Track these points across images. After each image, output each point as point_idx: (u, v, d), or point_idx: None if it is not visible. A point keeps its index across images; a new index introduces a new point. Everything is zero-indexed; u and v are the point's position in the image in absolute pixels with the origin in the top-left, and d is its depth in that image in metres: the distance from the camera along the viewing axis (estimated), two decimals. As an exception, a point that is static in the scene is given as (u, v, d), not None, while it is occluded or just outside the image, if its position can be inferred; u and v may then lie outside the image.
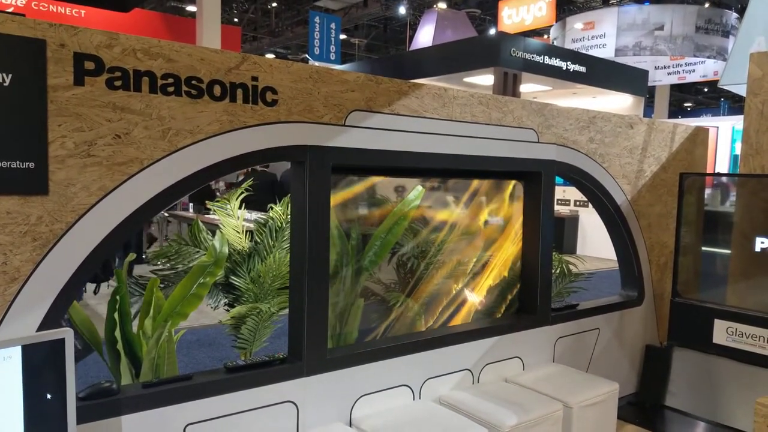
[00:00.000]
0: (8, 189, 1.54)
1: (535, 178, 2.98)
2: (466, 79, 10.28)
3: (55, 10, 11.92)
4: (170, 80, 1.79)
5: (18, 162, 1.54)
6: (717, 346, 3.16)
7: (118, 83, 1.70)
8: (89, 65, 1.65)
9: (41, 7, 11.72)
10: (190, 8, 16.10)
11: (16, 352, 1.32)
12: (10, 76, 1.52)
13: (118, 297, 2.17)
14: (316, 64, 14.60)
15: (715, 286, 3.69)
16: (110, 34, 1.69)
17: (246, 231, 2.93)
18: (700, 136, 3.87)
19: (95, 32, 1.66)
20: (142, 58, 1.74)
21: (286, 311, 2.40)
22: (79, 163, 1.65)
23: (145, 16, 13.32)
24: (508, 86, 8.96)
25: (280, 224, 2.89)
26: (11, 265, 1.57)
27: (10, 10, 11.06)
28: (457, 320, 2.96)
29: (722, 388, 3.20)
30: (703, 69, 15.85)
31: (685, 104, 31.60)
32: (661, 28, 13.66)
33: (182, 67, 1.82)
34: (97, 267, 1.75)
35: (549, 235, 3.03)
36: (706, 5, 14.96)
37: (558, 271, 3.67)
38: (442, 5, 15.57)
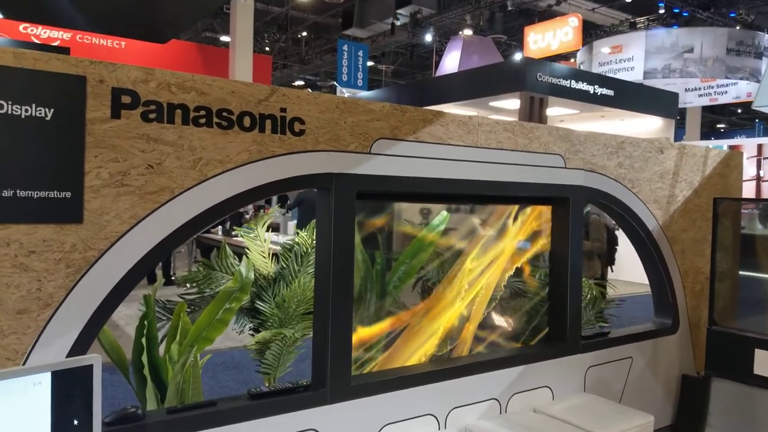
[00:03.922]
0: (46, 218, 1.60)
1: (562, 204, 2.95)
2: (492, 104, 10.29)
3: (97, 42, 12.45)
4: (202, 112, 1.85)
5: (56, 192, 1.61)
6: (758, 377, 3.04)
7: (152, 116, 1.76)
8: (126, 99, 1.71)
9: (84, 40, 12.24)
10: (224, 38, 16.61)
11: (46, 378, 1.35)
12: (52, 110, 1.59)
13: (146, 322, 2.21)
14: (345, 90, 14.84)
15: (754, 313, 3.55)
16: (147, 69, 1.76)
17: (272, 254, 2.96)
18: (734, 160, 3.78)
19: (132, 68, 1.73)
20: (176, 91, 1.80)
21: (311, 335, 2.40)
22: (113, 192, 1.70)
23: (182, 47, 13.79)
24: (534, 110, 8.92)
25: (305, 249, 2.91)
26: (45, 291, 1.62)
27: (56, 43, 11.59)
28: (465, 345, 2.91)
29: (765, 421, 3.06)
30: (736, 90, 15.54)
31: (718, 125, 30.98)
32: (691, 50, 13.49)
33: (214, 100, 1.87)
34: (127, 293, 1.79)
35: (578, 261, 2.98)
36: (737, 28, 14.74)
37: (588, 298, 3.60)
38: (468, 32, 15.70)
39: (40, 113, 1.58)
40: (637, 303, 7.96)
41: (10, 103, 1.54)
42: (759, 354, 3.04)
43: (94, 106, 1.66)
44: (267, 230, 3.08)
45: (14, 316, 1.59)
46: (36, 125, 1.58)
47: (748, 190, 10.96)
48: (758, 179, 11.06)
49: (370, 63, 17.74)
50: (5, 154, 1.55)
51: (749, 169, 11.07)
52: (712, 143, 13.24)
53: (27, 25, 11.18)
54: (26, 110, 1.56)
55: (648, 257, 3.40)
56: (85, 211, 1.66)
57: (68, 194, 1.62)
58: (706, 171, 3.60)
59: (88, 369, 1.42)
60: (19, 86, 1.55)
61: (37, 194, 1.58)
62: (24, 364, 1.60)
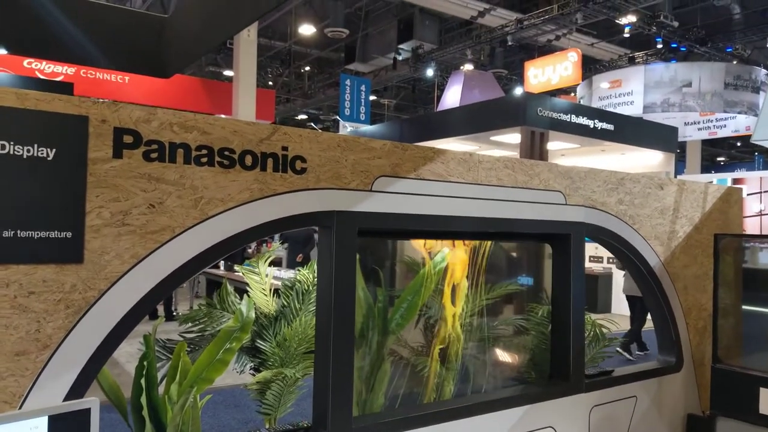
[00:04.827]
0: (46, 258, 1.60)
1: (563, 240, 2.94)
2: (494, 138, 10.38)
3: (101, 77, 12.65)
4: (204, 151, 1.87)
5: (56, 232, 1.61)
6: (764, 417, 2.97)
7: (154, 155, 1.78)
8: (128, 139, 1.73)
9: (89, 75, 12.44)
10: (228, 73, 16.90)
11: (42, 423, 1.33)
12: (54, 150, 1.61)
13: (145, 363, 2.18)
14: (347, 124, 15.01)
15: (759, 350, 3.51)
16: (149, 109, 1.78)
17: (273, 289, 2.94)
18: (733, 196, 3.79)
19: (135, 108, 1.76)
20: (178, 131, 1.82)
21: (312, 374, 2.37)
22: (113, 232, 1.71)
23: (185, 81, 14.01)
24: (535, 145, 9.00)
25: (307, 287, 2.90)
26: (44, 333, 1.61)
27: (60, 78, 11.76)
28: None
29: None
30: (735, 124, 15.71)
31: (718, 158, 31.16)
32: (689, 84, 13.68)
33: (216, 139, 1.89)
34: (126, 334, 1.78)
35: (580, 297, 2.96)
36: (734, 62, 14.98)
37: (591, 335, 3.55)
38: (469, 67, 15.97)
39: (41, 153, 1.59)
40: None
41: (12, 143, 1.56)
42: (764, 393, 2.98)
43: (96, 146, 1.68)
44: (269, 265, 3.06)
45: (12, 358, 1.57)
46: (37, 165, 1.59)
47: (754, 227, 10.89)
48: (761, 214, 11.02)
49: (372, 97, 18.00)
50: (6, 194, 1.55)
51: (753, 205, 11.03)
52: (714, 177, 13.27)
53: (31, 60, 11.38)
54: (28, 150, 1.58)
55: (650, 294, 3.37)
56: (85, 251, 1.66)
57: (69, 234, 1.63)
58: (706, 207, 3.61)
59: (86, 413, 1.40)
60: (21, 126, 1.57)
61: (37, 234, 1.58)
62: (21, 406, 1.57)
